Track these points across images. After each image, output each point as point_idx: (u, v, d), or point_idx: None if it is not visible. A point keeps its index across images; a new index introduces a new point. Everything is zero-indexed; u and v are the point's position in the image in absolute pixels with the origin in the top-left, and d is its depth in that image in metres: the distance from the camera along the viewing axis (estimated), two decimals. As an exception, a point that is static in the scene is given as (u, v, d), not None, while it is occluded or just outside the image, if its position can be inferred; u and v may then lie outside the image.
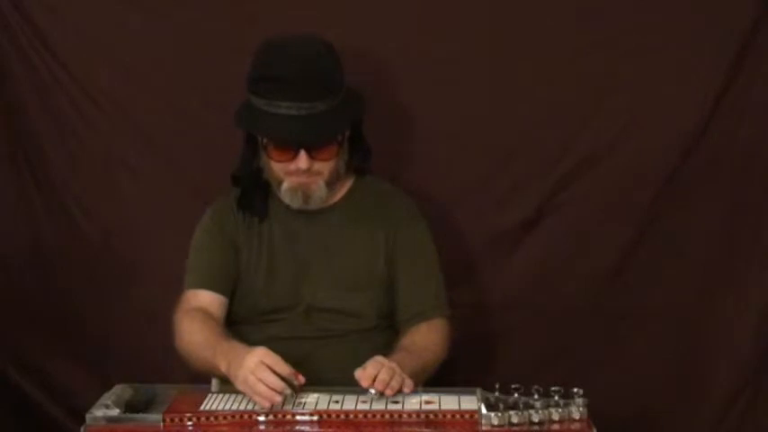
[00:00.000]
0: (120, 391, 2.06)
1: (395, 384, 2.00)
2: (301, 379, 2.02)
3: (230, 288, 2.34)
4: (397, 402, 1.96)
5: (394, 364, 2.04)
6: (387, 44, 2.64)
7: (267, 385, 1.96)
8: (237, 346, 2.09)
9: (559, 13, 2.62)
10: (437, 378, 2.52)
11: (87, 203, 2.78)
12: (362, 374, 2.00)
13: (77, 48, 2.71)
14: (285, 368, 1.99)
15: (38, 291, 2.83)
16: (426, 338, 2.29)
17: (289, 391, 1.97)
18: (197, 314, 2.27)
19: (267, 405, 1.96)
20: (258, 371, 1.97)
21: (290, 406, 1.95)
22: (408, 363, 2.13)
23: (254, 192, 2.37)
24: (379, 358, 2.05)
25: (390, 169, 2.63)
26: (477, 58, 2.64)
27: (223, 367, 2.06)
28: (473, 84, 2.65)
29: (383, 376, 1.99)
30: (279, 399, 1.96)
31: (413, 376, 2.09)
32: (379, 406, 1.95)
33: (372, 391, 1.98)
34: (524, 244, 2.70)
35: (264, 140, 2.28)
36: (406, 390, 2.02)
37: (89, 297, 2.81)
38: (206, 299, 2.31)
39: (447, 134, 2.66)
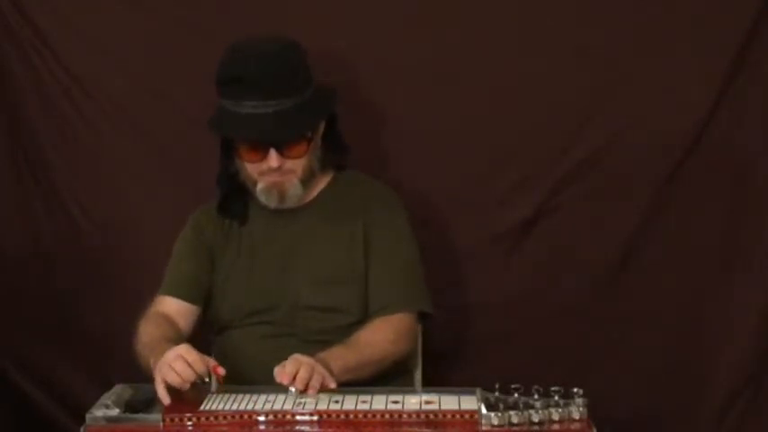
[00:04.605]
0: (120, 391, 2.06)
1: (315, 383, 1.98)
2: (221, 371, 2.01)
3: (201, 296, 2.35)
4: (396, 402, 1.96)
5: (313, 361, 2.01)
6: (386, 44, 2.64)
7: (178, 374, 1.96)
8: (172, 347, 2.05)
9: (559, 13, 2.62)
10: (437, 378, 2.52)
11: (87, 203, 2.79)
12: (281, 372, 1.98)
13: (77, 47, 2.71)
14: (201, 367, 1.98)
15: (38, 291, 2.83)
16: (374, 334, 2.24)
17: (198, 381, 1.99)
18: (154, 318, 2.28)
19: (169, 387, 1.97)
20: (174, 361, 1.97)
21: (292, 406, 1.95)
22: (341, 357, 2.11)
23: (233, 195, 2.37)
24: (297, 356, 2.02)
25: (390, 169, 2.63)
26: (477, 58, 2.64)
27: (153, 365, 2.04)
28: (473, 83, 2.65)
29: (302, 374, 1.97)
30: (186, 386, 1.97)
31: (347, 371, 2.09)
32: (378, 406, 1.94)
33: (292, 389, 1.96)
34: (524, 244, 2.70)
35: (236, 142, 2.29)
36: (331, 385, 1.99)
37: (89, 297, 2.81)
38: (171, 305, 2.33)
39: (447, 134, 2.66)
